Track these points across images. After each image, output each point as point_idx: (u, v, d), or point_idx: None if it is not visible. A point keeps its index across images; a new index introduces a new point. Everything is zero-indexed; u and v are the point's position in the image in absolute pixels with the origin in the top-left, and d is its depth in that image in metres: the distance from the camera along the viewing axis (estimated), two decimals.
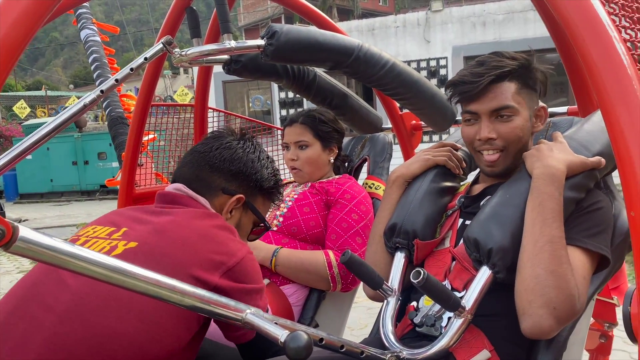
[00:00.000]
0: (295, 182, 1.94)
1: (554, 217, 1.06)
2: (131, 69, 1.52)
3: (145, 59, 1.55)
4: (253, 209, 1.28)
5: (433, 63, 10.16)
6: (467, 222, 1.24)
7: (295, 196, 1.78)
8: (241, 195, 1.25)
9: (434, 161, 1.37)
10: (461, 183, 1.43)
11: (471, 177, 1.43)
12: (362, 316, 3.44)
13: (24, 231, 0.65)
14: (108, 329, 0.96)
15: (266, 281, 1.61)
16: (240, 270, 1.08)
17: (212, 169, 1.24)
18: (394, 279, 1.24)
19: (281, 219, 1.72)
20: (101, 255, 0.72)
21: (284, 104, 12.15)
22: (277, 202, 1.38)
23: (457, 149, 1.42)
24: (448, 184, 1.37)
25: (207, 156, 1.25)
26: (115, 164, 9.71)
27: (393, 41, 10.15)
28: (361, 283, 1.62)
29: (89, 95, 1.49)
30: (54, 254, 0.68)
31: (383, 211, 1.37)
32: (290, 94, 12.09)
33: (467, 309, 1.07)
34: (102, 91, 1.47)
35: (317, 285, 1.66)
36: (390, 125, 2.25)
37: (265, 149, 1.36)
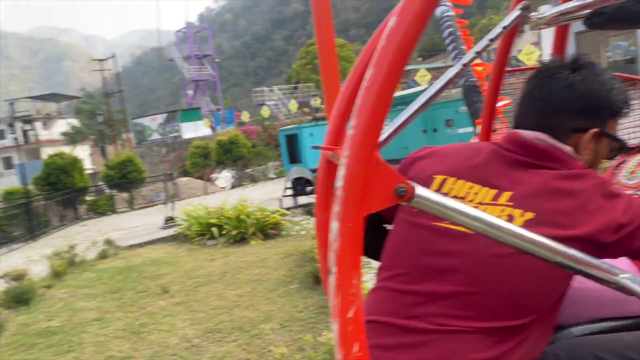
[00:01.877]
0: None
1: None
2: (490, 40, 1.59)
3: (504, 28, 1.59)
4: (607, 134, 1.17)
5: None
6: None
7: None
8: (595, 130, 1.14)
9: None
10: None
11: None
12: None
13: (419, 189, 0.80)
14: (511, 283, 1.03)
15: None
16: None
17: (557, 114, 1.14)
18: None
19: None
20: (483, 213, 0.81)
21: None
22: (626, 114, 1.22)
23: None
24: None
25: (547, 102, 1.15)
26: (462, 130, 10.12)
27: None
28: None
29: (452, 70, 1.64)
30: (443, 210, 0.81)
31: None
32: None
33: None
34: (464, 65, 1.60)
35: None
36: None
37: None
